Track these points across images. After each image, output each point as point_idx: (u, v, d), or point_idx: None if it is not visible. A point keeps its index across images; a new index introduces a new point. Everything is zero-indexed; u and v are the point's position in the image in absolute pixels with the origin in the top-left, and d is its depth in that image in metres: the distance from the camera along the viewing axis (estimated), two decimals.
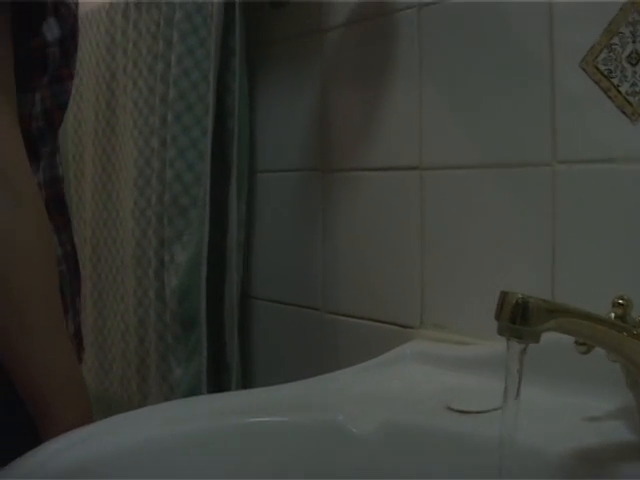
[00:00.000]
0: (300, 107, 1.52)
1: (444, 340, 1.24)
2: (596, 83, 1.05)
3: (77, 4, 1.15)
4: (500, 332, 0.77)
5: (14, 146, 0.98)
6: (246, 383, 1.61)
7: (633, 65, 1.02)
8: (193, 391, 1.53)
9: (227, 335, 1.57)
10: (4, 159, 0.96)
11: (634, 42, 1.01)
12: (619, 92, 1.03)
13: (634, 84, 1.02)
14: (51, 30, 1.06)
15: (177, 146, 1.56)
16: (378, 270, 1.36)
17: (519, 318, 0.75)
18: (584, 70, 1.06)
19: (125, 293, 1.85)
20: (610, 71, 1.04)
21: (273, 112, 1.59)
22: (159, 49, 1.66)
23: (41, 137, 1.10)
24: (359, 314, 1.40)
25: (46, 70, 1.08)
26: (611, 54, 1.04)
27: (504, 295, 0.76)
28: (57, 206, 1.15)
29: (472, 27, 1.20)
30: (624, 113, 1.03)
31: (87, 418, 1.04)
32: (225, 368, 1.58)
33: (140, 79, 1.74)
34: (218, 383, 1.60)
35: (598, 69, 1.05)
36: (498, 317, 0.76)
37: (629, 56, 1.02)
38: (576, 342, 0.88)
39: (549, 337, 0.77)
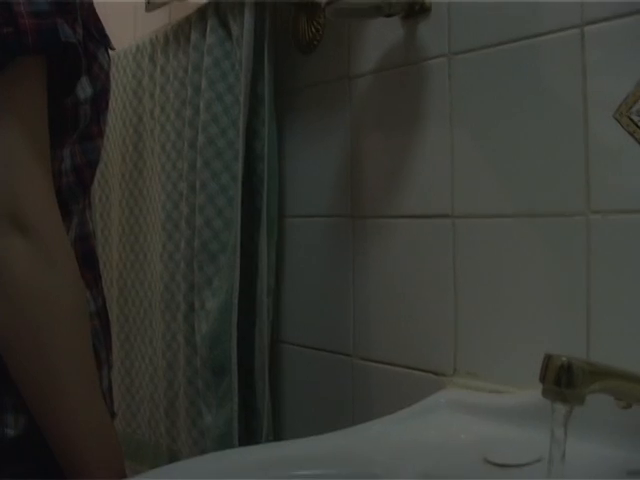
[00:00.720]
0: (329, 153, 1.53)
1: (478, 388, 1.24)
2: (630, 134, 1.05)
3: (109, 62, 1.16)
4: (545, 395, 0.77)
5: (48, 205, 0.99)
6: (276, 429, 1.60)
7: None
8: (224, 437, 1.53)
9: (257, 380, 1.57)
10: (38, 219, 0.97)
11: None
12: None
13: None
14: (83, 89, 1.07)
15: (206, 192, 1.56)
16: (410, 317, 1.36)
17: (564, 381, 0.75)
18: (618, 121, 1.06)
19: (153, 336, 1.86)
20: None
21: (302, 157, 1.60)
22: (187, 94, 1.67)
23: (71, 193, 1.11)
24: (391, 361, 1.40)
25: (77, 127, 1.09)
26: None
27: (548, 358, 0.76)
28: (88, 262, 1.15)
29: (504, 76, 1.21)
30: None
31: (120, 476, 1.04)
32: (255, 413, 1.58)
33: (168, 123, 1.76)
34: (248, 428, 1.59)
35: (632, 120, 1.05)
36: (542, 380, 0.77)
37: None
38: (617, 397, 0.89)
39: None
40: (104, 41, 1.14)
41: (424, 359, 1.34)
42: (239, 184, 1.53)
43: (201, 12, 1.67)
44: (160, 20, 2.02)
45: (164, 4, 1.89)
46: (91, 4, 1.11)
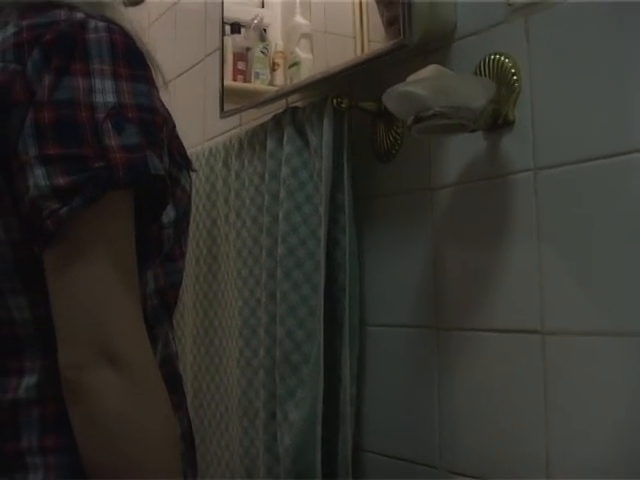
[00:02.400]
0: (411, 262, 1.52)
1: None
2: None
3: (191, 185, 1.16)
4: None
5: (137, 335, 0.99)
6: None
7: None
8: None
9: None
10: (128, 350, 0.96)
11: None
12: None
13: None
14: (167, 213, 1.07)
15: (287, 303, 1.57)
16: (499, 431, 1.34)
17: None
18: None
19: (230, 441, 1.85)
20: None
21: (383, 266, 1.59)
22: (264, 202, 1.69)
23: (156, 317, 1.11)
24: (479, 474, 1.37)
25: (161, 251, 1.09)
26: None
27: None
28: (172, 384, 1.15)
29: (593, 192, 1.20)
30: None
31: None
32: None
33: (244, 229, 1.77)
34: None
35: None
36: None
37: None
38: None
39: None
40: (186, 163, 1.15)
41: (514, 475, 1.31)
42: (321, 294, 1.53)
43: (277, 120, 1.69)
44: (231, 122, 2.05)
45: (238, 111, 1.91)
46: (174, 127, 1.12)
